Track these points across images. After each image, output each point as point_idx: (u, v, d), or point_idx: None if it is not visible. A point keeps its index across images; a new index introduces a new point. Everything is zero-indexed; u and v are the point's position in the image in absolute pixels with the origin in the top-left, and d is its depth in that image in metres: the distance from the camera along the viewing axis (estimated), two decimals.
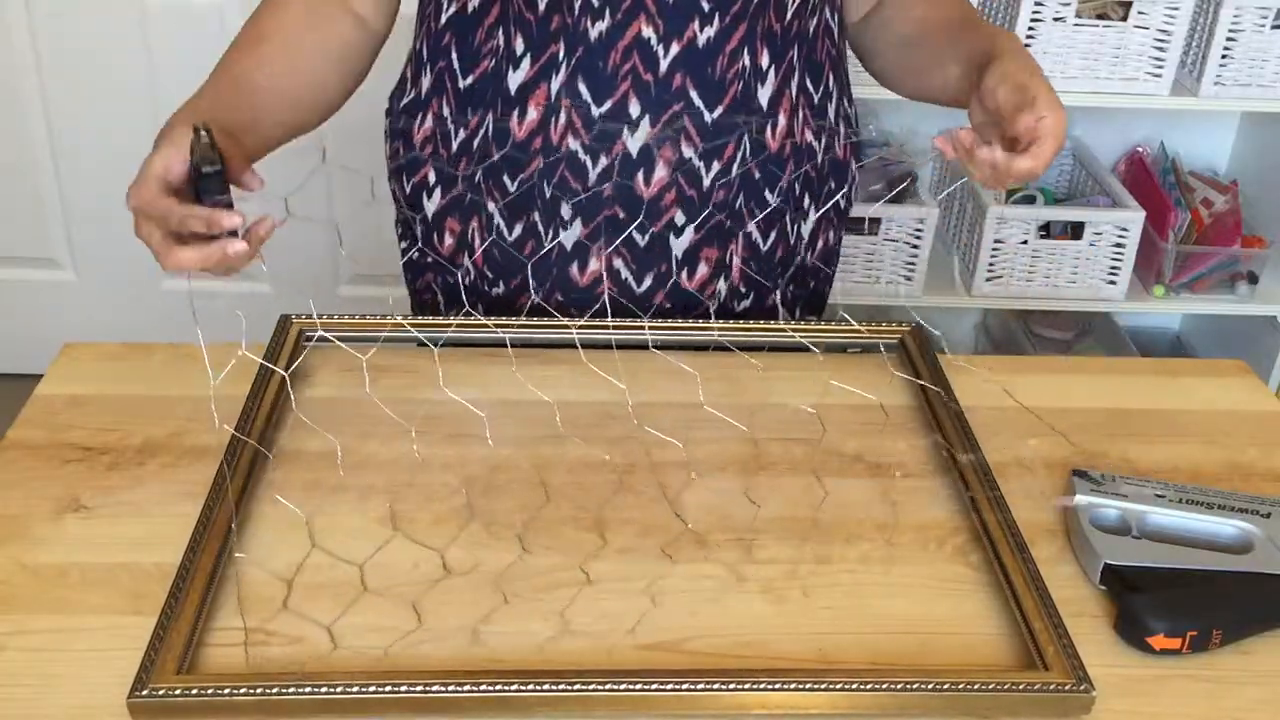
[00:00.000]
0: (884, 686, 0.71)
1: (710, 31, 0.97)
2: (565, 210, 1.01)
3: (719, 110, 0.99)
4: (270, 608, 0.77)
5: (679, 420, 0.95)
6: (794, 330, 1.05)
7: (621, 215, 1.01)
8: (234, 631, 0.75)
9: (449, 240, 1.06)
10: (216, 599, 0.77)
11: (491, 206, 1.02)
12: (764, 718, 0.71)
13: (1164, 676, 0.75)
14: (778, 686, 0.70)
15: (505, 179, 1.01)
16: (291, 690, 0.69)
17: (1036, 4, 1.91)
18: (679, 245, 1.03)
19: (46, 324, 2.32)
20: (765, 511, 0.86)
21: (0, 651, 0.73)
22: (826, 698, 0.70)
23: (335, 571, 0.80)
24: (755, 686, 0.71)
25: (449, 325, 1.02)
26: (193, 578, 0.76)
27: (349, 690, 0.69)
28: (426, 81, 1.05)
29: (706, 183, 1.01)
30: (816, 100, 1.06)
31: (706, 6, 0.96)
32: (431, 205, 1.06)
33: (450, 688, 0.69)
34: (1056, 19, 1.92)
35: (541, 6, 0.96)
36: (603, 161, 0.99)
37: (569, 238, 1.03)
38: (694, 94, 0.98)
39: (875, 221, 2.06)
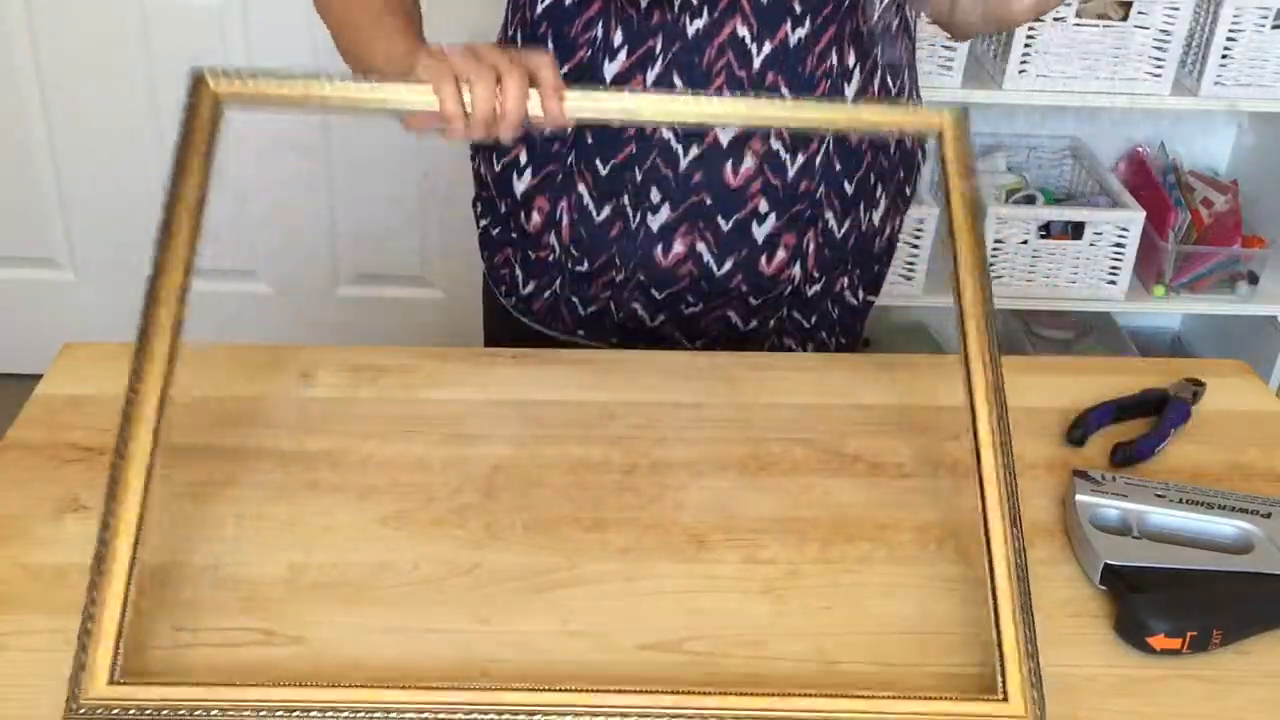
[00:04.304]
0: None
1: (802, 32, 1.00)
2: (654, 195, 1.03)
3: None
4: (270, 608, 0.77)
5: (680, 420, 0.95)
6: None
7: (709, 202, 1.04)
8: (236, 632, 0.75)
9: (536, 218, 1.09)
10: (216, 600, 0.77)
11: (582, 187, 1.05)
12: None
13: (1164, 676, 0.75)
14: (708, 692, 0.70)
15: (597, 162, 1.04)
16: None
17: None
18: (760, 232, 1.06)
19: (46, 324, 2.32)
20: (765, 511, 0.86)
21: (0, 651, 0.73)
22: (762, 702, 0.70)
23: (335, 572, 0.80)
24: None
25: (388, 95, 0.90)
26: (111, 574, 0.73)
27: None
28: None
29: (791, 173, 1.04)
30: (893, 95, 1.09)
31: (798, 9, 0.99)
32: (521, 184, 1.08)
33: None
34: (1056, 19, 1.92)
35: (644, 2, 0.99)
36: (694, 150, 1.02)
37: (656, 221, 1.05)
38: (785, 90, 1.01)
39: None
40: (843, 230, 1.09)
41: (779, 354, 1.08)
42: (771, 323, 1.12)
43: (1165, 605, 0.76)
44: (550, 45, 1.04)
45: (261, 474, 0.88)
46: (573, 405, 0.97)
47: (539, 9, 1.05)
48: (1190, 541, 0.83)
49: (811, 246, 1.08)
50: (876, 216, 1.12)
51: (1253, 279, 2.14)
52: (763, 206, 1.04)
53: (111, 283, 2.33)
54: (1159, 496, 0.86)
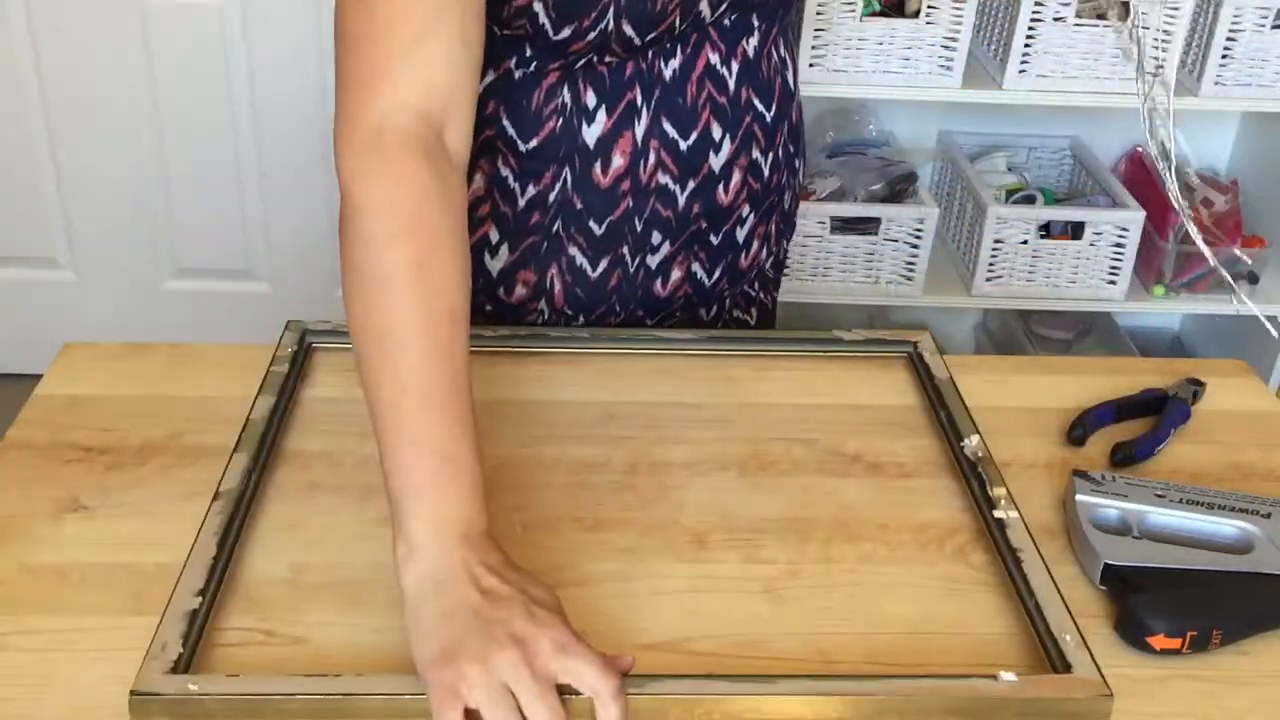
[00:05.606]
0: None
1: (754, 40, 0.99)
2: (655, 237, 1.02)
3: (773, 108, 1.03)
4: (271, 608, 0.77)
5: (680, 420, 0.95)
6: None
7: (704, 225, 1.03)
8: (236, 631, 0.75)
9: (521, 290, 1.04)
10: (218, 599, 0.77)
11: (574, 250, 1.01)
12: None
13: (1164, 676, 0.75)
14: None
15: (590, 224, 1.00)
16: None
17: (1036, 4, 1.91)
18: (742, 234, 1.06)
19: (46, 324, 2.32)
20: (765, 511, 0.86)
21: (0, 651, 0.73)
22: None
23: (335, 572, 0.80)
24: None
25: None
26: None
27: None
28: None
29: (766, 173, 1.05)
30: (790, 65, 1.09)
31: (756, 20, 0.98)
32: (498, 262, 1.03)
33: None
34: (1056, 19, 1.92)
35: (621, 56, 0.95)
36: (690, 184, 1.00)
37: (655, 259, 1.04)
38: (756, 101, 1.01)
39: (875, 221, 2.06)
40: (789, 201, 1.11)
41: (779, 354, 1.07)
42: (727, 301, 1.13)
43: (1165, 605, 0.76)
44: (507, 122, 0.97)
45: (264, 474, 0.88)
46: (573, 405, 0.97)
47: (480, 86, 0.93)
48: (1190, 541, 0.82)
49: (774, 229, 1.10)
50: (802, 172, 1.15)
51: (1253, 279, 2.14)
52: (745, 211, 1.05)
53: (111, 283, 2.33)
54: (1159, 496, 0.86)
